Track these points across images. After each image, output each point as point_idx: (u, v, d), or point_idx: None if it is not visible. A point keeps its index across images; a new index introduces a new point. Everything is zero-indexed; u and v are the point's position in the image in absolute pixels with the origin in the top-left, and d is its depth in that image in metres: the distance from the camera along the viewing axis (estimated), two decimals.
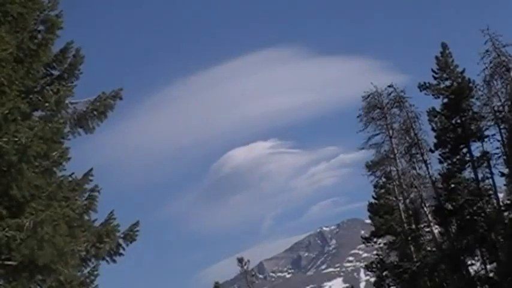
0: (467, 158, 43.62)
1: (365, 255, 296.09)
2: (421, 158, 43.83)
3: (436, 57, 44.73)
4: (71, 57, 18.97)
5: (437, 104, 44.75)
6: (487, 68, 41.57)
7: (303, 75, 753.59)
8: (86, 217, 18.96)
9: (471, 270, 43.79)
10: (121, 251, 19.16)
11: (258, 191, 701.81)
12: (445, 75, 44.56)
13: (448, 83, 44.59)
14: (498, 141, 42.62)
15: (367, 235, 49.75)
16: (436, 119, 44.42)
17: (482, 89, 42.60)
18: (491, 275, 43.04)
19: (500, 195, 44.56)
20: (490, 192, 43.20)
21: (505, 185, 44.54)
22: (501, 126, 42.32)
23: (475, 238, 42.45)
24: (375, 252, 48.86)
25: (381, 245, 47.65)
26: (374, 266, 47.83)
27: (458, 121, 43.99)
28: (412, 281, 43.94)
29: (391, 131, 44.34)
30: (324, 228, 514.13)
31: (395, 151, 44.04)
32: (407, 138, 44.18)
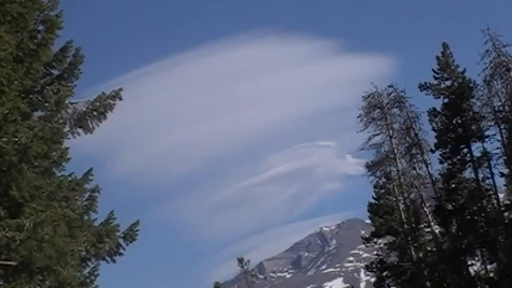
0: (468, 158, 43.58)
1: (365, 255, 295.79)
2: (421, 158, 43.79)
3: (437, 57, 44.70)
4: (70, 56, 18.98)
5: (437, 104, 44.80)
6: (487, 68, 41.58)
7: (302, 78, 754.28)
8: (86, 217, 18.97)
9: (471, 270, 43.76)
10: (121, 251, 19.15)
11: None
12: (445, 75, 44.51)
13: (448, 83, 44.55)
14: (498, 141, 42.62)
15: (367, 235, 49.65)
16: (436, 119, 44.37)
17: (482, 89, 42.61)
18: (491, 275, 43.01)
19: (501, 196, 44.54)
20: (490, 192, 43.16)
21: (505, 185, 44.53)
22: (501, 127, 42.29)
23: (475, 238, 42.42)
24: (375, 252, 48.75)
25: (381, 245, 47.54)
26: (374, 266, 47.74)
27: (459, 121, 43.94)
28: (412, 281, 43.89)
29: (391, 131, 44.29)
30: (324, 228, 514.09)
31: (396, 151, 43.99)
32: (408, 138, 44.13)
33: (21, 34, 17.07)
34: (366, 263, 53.06)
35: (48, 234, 15.01)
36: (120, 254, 19.19)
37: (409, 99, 44.56)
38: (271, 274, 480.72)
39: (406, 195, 44.86)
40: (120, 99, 18.92)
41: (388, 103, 44.62)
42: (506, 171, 42.46)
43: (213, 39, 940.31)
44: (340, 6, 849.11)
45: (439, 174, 44.38)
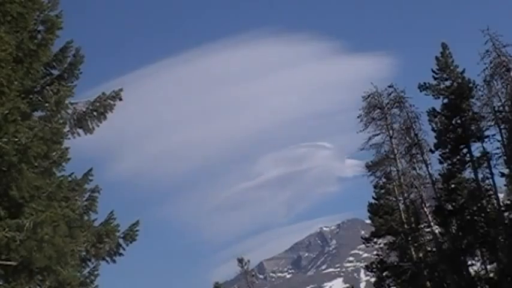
0: (468, 158, 43.56)
1: (365, 255, 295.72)
2: (421, 158, 43.79)
3: (436, 58, 44.68)
4: (70, 56, 18.99)
5: (437, 104, 44.80)
6: (487, 68, 41.56)
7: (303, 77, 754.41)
8: (86, 217, 18.97)
9: (471, 270, 43.75)
10: (121, 251, 19.16)
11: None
12: (445, 75, 44.50)
13: (448, 83, 44.54)
14: (498, 141, 42.60)
15: (367, 235, 49.64)
16: (436, 119, 44.37)
17: (482, 89, 42.60)
18: (491, 275, 43.01)
19: (501, 196, 44.52)
20: (490, 192, 43.15)
21: (505, 185, 44.51)
22: (501, 127, 42.28)
23: (475, 238, 42.41)
24: (375, 252, 48.75)
25: (381, 245, 47.54)
26: (374, 266, 47.74)
27: (459, 121, 43.93)
28: (412, 281, 43.89)
29: (391, 131, 44.29)
30: (324, 229, 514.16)
31: (396, 151, 43.99)
32: (408, 138, 44.14)
33: (21, 34, 17.07)
34: (366, 263, 53.06)
35: (48, 234, 15.00)
36: (120, 254, 19.19)
37: (409, 100, 44.65)
38: (271, 274, 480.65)
39: (406, 195, 44.85)
40: (120, 99, 18.92)
41: (388, 103, 44.64)
42: (506, 171, 42.46)
43: (213, 39, 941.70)
44: (340, 7, 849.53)
45: (439, 174, 44.39)
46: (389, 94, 44.71)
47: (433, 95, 44.56)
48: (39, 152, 15.26)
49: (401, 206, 45.23)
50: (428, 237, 44.51)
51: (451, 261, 42.11)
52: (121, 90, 18.91)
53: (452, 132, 44.02)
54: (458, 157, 43.81)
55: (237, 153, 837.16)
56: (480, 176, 43.08)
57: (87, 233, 18.00)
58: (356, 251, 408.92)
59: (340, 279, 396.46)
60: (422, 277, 43.59)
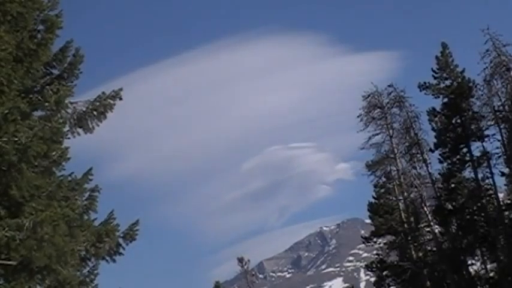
0: (468, 158, 43.54)
1: (365, 255, 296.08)
2: (421, 158, 43.77)
3: (436, 57, 44.67)
4: (70, 56, 18.99)
5: (437, 103, 44.80)
6: (487, 67, 41.55)
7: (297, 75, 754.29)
8: (86, 217, 18.98)
9: (471, 270, 43.75)
10: (121, 250, 19.17)
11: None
12: (445, 74, 44.48)
13: (448, 82, 44.53)
14: (498, 141, 42.57)
15: (367, 235, 49.59)
16: (436, 118, 44.37)
17: (482, 88, 42.59)
18: (491, 274, 43.00)
19: (501, 195, 44.49)
20: (490, 192, 43.13)
21: (505, 184, 44.51)
22: (501, 126, 42.27)
23: (475, 238, 42.40)
24: (375, 252, 48.73)
25: (381, 244, 47.51)
26: (374, 265, 47.71)
27: (458, 121, 43.92)
28: (412, 281, 43.87)
29: (391, 131, 44.27)
30: (324, 228, 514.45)
31: (396, 151, 43.97)
32: (408, 137, 44.13)
33: (21, 34, 17.08)
34: (365, 263, 53.04)
35: (48, 233, 15.01)
36: (120, 253, 19.20)
37: (408, 99, 44.64)
38: (271, 274, 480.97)
39: (406, 194, 44.81)
40: (120, 99, 18.91)
41: (388, 103, 44.63)
42: (506, 170, 42.46)
43: (213, 40, 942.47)
44: (341, 7, 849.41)
45: (439, 173, 44.36)
46: (389, 94, 44.71)
47: (433, 95, 44.56)
48: (39, 152, 15.26)
49: (401, 206, 45.20)
50: (428, 237, 44.48)
51: (451, 260, 42.10)
52: (121, 89, 18.91)
53: (452, 131, 44.01)
54: (458, 156, 43.79)
55: (237, 154, 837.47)
56: (480, 175, 43.08)
57: (87, 232, 18.00)
58: (356, 251, 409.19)
59: (340, 279, 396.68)
60: (422, 277, 43.57)
